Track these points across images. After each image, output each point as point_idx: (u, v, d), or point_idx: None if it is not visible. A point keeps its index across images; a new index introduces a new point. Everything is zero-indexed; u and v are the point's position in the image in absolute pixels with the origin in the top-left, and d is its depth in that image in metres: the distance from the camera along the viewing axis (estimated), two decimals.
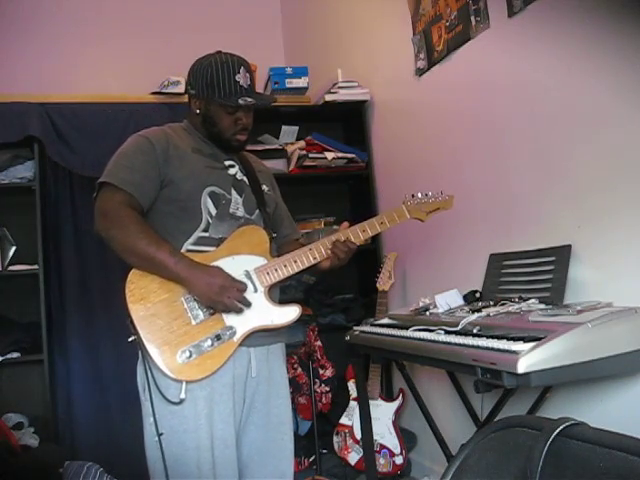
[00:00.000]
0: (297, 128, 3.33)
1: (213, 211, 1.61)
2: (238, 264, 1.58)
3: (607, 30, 1.71)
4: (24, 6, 3.70)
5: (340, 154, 3.18)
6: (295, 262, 1.64)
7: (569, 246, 1.85)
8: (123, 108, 3.09)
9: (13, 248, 2.90)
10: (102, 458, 2.60)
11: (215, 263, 1.56)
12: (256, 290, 1.58)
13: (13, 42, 3.63)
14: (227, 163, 1.70)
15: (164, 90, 3.14)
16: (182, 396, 1.49)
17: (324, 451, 2.92)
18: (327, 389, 2.94)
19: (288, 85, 3.39)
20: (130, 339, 1.52)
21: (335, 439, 2.86)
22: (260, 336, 1.60)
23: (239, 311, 1.53)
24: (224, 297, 1.50)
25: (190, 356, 1.49)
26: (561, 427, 1.03)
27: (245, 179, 1.72)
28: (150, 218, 1.61)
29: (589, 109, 1.81)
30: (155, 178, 1.58)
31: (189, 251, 1.57)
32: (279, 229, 1.84)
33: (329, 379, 2.96)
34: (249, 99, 1.62)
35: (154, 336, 1.49)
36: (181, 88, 3.15)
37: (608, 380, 1.71)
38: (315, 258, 1.66)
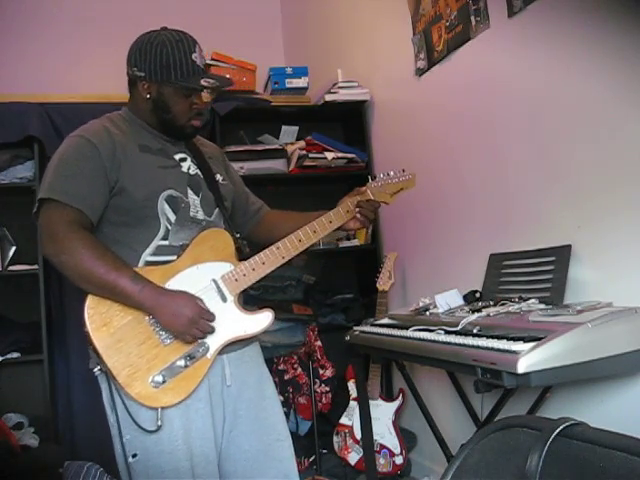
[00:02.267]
0: (297, 128, 3.33)
1: (172, 217, 1.48)
2: (203, 273, 1.48)
3: (607, 30, 1.70)
4: (24, 6, 3.70)
5: (340, 154, 3.18)
6: (263, 264, 1.53)
7: (569, 246, 1.85)
8: None
9: (13, 248, 2.89)
10: (102, 458, 2.59)
11: (179, 274, 1.46)
12: (225, 300, 1.48)
13: (13, 42, 3.63)
14: (178, 157, 1.56)
15: None
16: (159, 423, 1.39)
17: (324, 451, 2.91)
18: (327, 389, 2.95)
19: (288, 85, 3.39)
20: (95, 369, 1.43)
21: (335, 439, 2.86)
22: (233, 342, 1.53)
23: (204, 338, 1.45)
24: (192, 329, 1.40)
25: (164, 381, 1.39)
26: (561, 427, 1.03)
27: (199, 172, 1.58)
28: (101, 230, 1.47)
29: (589, 109, 1.81)
30: (103, 188, 1.43)
31: (149, 262, 1.45)
32: (247, 208, 1.76)
33: (329, 379, 2.96)
34: (211, 80, 1.48)
35: (122, 364, 1.38)
36: None
37: (608, 380, 1.71)
38: (283, 257, 1.55)
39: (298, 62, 3.63)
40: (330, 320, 3.21)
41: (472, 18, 2.28)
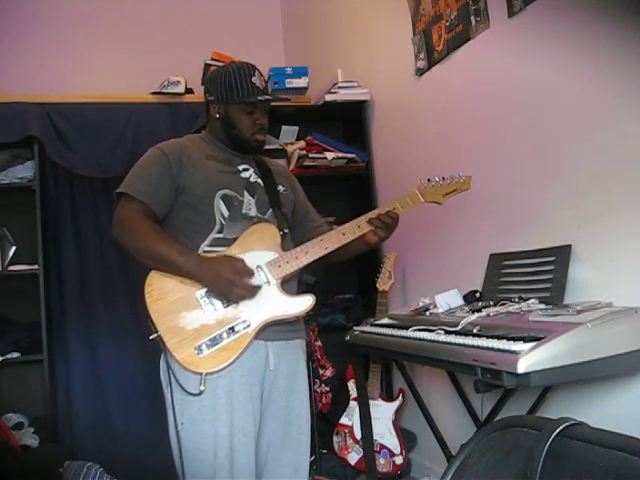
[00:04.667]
0: (297, 128, 3.32)
1: (225, 213, 1.68)
2: (250, 260, 1.62)
3: (607, 30, 1.71)
4: (24, 6, 3.70)
5: (340, 154, 3.18)
6: (306, 253, 1.67)
7: (569, 246, 1.85)
8: (123, 108, 3.09)
9: (13, 248, 2.90)
10: (102, 458, 2.60)
11: None
12: (269, 283, 1.63)
13: (13, 42, 3.63)
14: (241, 167, 1.76)
15: (164, 90, 3.15)
16: (202, 387, 1.56)
17: (324, 451, 2.91)
18: (327, 389, 2.94)
19: (288, 85, 3.39)
20: (151, 337, 1.58)
21: (335, 439, 2.86)
22: (278, 331, 1.65)
23: (251, 297, 1.59)
24: (233, 288, 1.56)
25: (207, 349, 1.56)
26: (561, 427, 1.03)
27: (259, 181, 1.77)
28: (168, 224, 1.70)
29: (589, 109, 1.81)
30: (169, 187, 1.67)
31: (205, 252, 1.65)
32: (306, 223, 1.93)
33: (329, 379, 2.96)
34: (267, 95, 1.72)
35: (172, 332, 1.57)
36: (181, 88, 3.15)
37: (608, 380, 1.71)
38: (326, 248, 1.68)
39: (298, 62, 3.62)
40: (330, 320, 3.21)
41: (472, 18, 2.28)
